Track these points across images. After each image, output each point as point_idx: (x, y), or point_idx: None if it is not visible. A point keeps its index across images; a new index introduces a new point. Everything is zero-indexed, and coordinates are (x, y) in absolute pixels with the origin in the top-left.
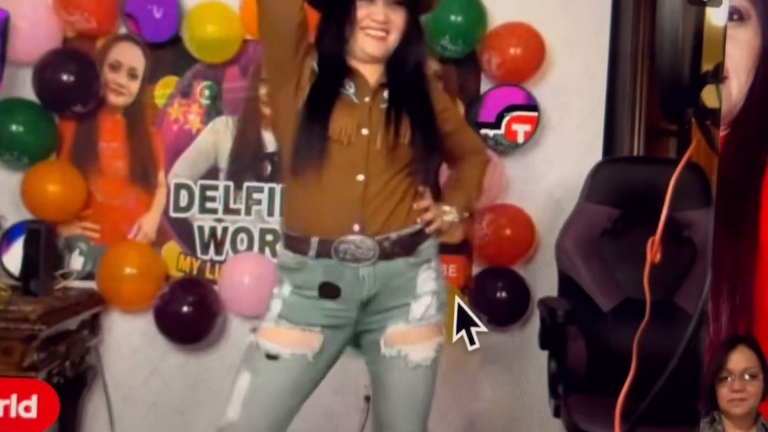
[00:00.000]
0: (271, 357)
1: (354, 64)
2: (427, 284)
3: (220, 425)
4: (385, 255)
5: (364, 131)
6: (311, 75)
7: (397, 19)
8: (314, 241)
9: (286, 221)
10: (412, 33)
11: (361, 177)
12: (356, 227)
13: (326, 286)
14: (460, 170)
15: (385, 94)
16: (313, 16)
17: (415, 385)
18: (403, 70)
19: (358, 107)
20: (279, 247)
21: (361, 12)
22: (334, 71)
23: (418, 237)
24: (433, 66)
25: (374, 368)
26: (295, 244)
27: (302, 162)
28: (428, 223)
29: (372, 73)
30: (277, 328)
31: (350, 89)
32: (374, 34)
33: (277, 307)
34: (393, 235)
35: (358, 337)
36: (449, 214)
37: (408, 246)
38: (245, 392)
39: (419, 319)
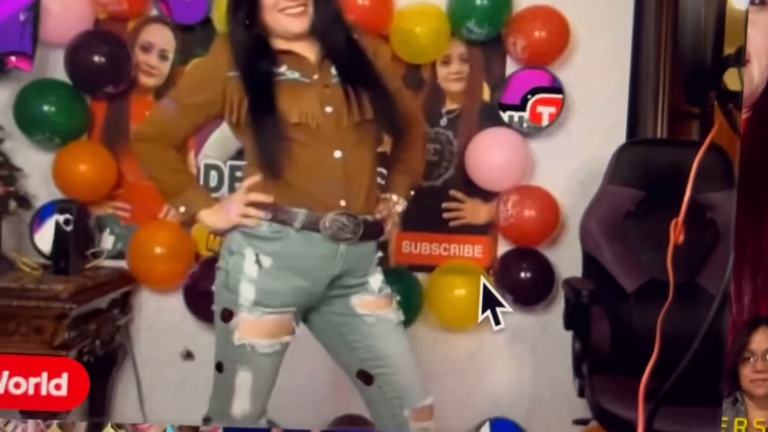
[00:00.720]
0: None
1: (283, 46)
2: (376, 260)
3: (232, 419)
4: (364, 236)
5: (328, 109)
6: (236, 87)
7: None
8: (301, 213)
9: (265, 192)
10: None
11: (338, 153)
12: (342, 203)
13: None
14: (402, 149)
15: (333, 69)
16: None
17: (404, 342)
18: (337, 39)
19: (310, 87)
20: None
21: None
22: (259, 64)
23: (382, 222)
24: (458, 48)
25: (359, 340)
26: (279, 214)
27: (272, 160)
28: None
29: (307, 50)
30: (255, 318)
31: (293, 74)
32: (293, 12)
33: (249, 293)
34: (370, 218)
35: (319, 307)
36: (399, 204)
37: (379, 230)
38: (251, 387)
39: (377, 291)
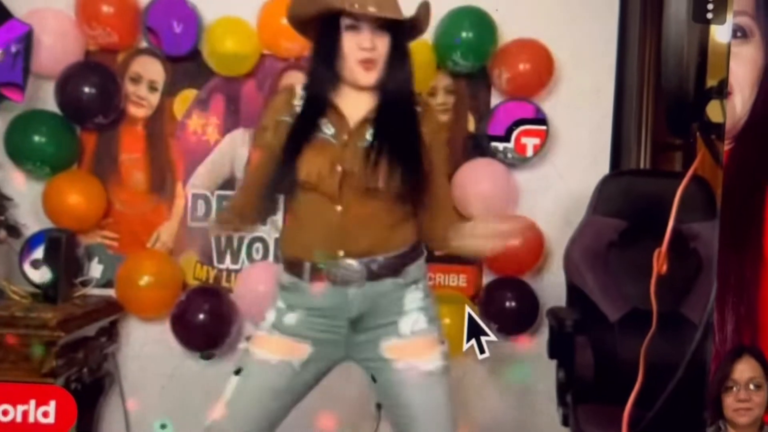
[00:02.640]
0: (237, 372)
1: (344, 95)
2: (414, 302)
3: (205, 426)
4: (373, 276)
5: (338, 168)
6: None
7: (382, 45)
8: (307, 265)
9: (282, 245)
10: (399, 59)
11: (338, 207)
12: (341, 253)
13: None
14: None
15: (369, 131)
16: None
17: (434, 395)
18: (392, 100)
19: (332, 147)
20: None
21: (349, 42)
22: (313, 112)
23: (406, 258)
24: (444, 80)
25: (387, 388)
26: (291, 266)
27: (278, 199)
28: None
29: (359, 106)
30: (269, 337)
31: (329, 130)
32: (363, 64)
33: (271, 318)
34: (380, 258)
35: (352, 355)
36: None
37: (395, 267)
38: (231, 393)
39: (411, 333)
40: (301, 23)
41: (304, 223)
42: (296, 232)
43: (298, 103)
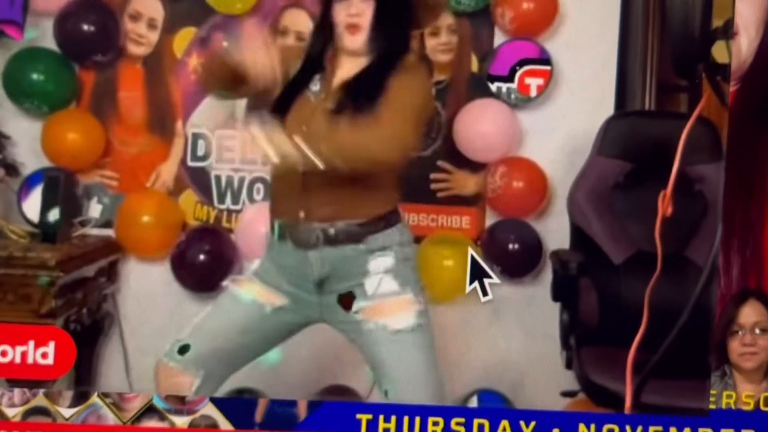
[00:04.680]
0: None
1: (340, 60)
2: (380, 266)
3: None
4: (330, 241)
5: (303, 128)
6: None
7: (369, 10)
8: (276, 224)
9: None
10: (386, 24)
11: (301, 167)
12: (301, 213)
13: None
14: None
15: (344, 94)
16: None
17: (406, 352)
18: (372, 64)
19: (309, 105)
20: None
21: (338, 9)
22: (306, 70)
23: (371, 227)
24: (447, 19)
25: (363, 348)
26: (270, 224)
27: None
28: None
29: (350, 70)
30: (249, 281)
31: (315, 87)
32: (349, 29)
33: (255, 265)
34: (340, 224)
35: (325, 317)
36: None
37: (355, 235)
38: (200, 318)
39: (378, 295)
40: None
41: (274, 180)
42: (270, 186)
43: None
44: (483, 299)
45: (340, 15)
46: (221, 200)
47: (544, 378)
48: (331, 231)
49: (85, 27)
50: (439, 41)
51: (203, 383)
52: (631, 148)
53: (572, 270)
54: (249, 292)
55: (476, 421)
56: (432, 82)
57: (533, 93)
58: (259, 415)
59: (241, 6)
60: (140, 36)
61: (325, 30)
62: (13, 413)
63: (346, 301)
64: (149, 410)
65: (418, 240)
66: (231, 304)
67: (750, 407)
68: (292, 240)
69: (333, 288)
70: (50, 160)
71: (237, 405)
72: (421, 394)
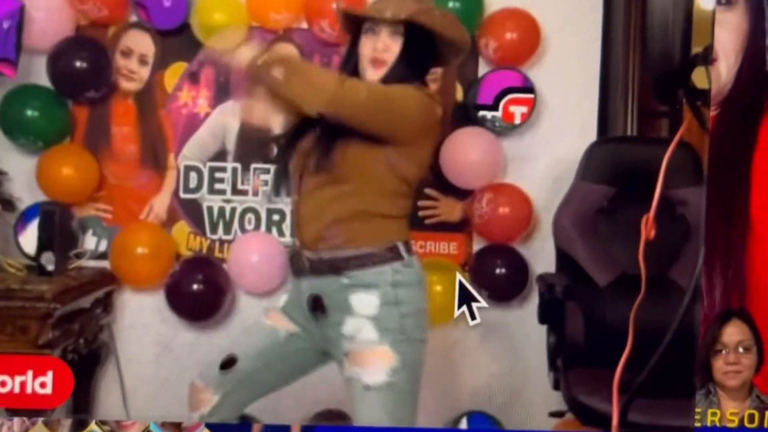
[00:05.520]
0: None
1: None
2: (365, 308)
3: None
4: (314, 270)
5: (295, 160)
6: None
7: (396, 46)
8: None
9: None
10: (407, 60)
11: (295, 197)
12: (297, 243)
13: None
14: None
15: None
16: None
17: (371, 409)
18: None
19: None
20: None
21: (365, 43)
22: None
23: (357, 261)
24: None
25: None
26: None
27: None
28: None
29: None
30: (273, 309)
31: None
32: (373, 62)
33: (283, 299)
34: (324, 255)
35: (328, 350)
36: None
37: (337, 267)
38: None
39: (355, 341)
40: (344, 23)
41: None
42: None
43: None
44: (471, 323)
45: (366, 48)
46: (213, 231)
47: (532, 399)
48: (315, 258)
49: (78, 64)
50: None
51: (221, 403)
52: (614, 173)
53: (558, 293)
54: (270, 318)
55: None
56: (437, 111)
57: (517, 121)
58: None
59: (231, 41)
60: (132, 72)
61: (350, 62)
62: None
63: (317, 304)
64: None
65: None
66: (254, 330)
67: (734, 424)
68: (291, 269)
69: (323, 322)
70: (46, 194)
71: (232, 430)
72: None
